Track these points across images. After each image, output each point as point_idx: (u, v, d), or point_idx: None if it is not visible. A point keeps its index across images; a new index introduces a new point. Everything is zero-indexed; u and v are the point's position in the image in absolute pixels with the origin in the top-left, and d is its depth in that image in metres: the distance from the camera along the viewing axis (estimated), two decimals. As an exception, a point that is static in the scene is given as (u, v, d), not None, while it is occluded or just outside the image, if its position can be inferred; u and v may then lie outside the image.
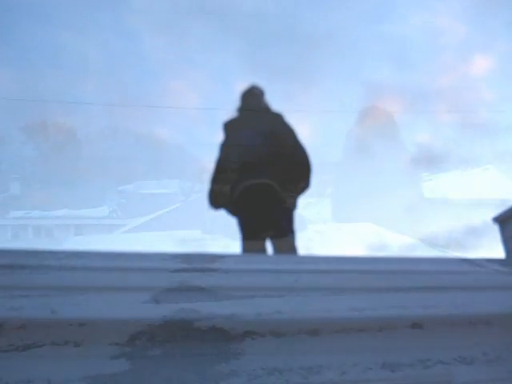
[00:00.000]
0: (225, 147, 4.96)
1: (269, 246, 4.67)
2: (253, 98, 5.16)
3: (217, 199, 4.92)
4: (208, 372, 1.65)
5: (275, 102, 5.11)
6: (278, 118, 4.99)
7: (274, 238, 4.69)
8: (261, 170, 4.69)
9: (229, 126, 5.05)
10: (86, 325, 2.17)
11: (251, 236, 4.74)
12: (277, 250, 4.61)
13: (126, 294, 2.74)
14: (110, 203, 25.59)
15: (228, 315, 2.24)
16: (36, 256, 3.93)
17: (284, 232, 4.71)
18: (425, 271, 3.12)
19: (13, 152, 47.01)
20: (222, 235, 5.35)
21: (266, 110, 5.14)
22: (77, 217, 26.10)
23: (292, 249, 4.62)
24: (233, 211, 4.81)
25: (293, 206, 4.80)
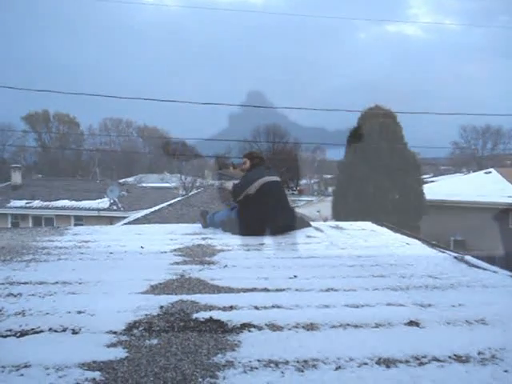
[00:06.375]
0: None
1: None
2: None
3: None
4: (205, 363, 1.66)
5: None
6: None
7: None
8: None
9: None
10: (85, 313, 2.19)
11: None
12: None
13: (125, 284, 2.76)
14: (111, 195, 25.45)
15: (226, 307, 2.26)
16: (37, 249, 3.96)
17: None
18: (422, 270, 3.13)
19: (15, 141, 47.03)
20: (222, 230, 5.37)
21: None
22: (77, 208, 25.98)
23: None
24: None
25: None
